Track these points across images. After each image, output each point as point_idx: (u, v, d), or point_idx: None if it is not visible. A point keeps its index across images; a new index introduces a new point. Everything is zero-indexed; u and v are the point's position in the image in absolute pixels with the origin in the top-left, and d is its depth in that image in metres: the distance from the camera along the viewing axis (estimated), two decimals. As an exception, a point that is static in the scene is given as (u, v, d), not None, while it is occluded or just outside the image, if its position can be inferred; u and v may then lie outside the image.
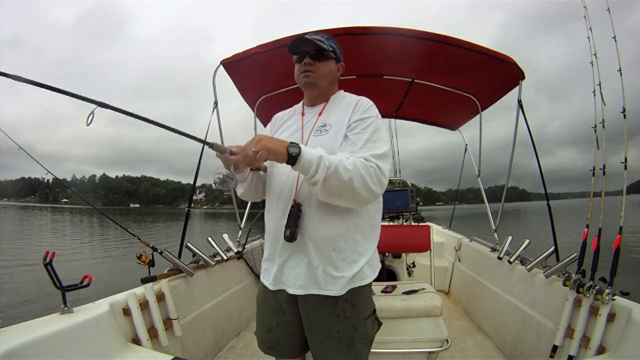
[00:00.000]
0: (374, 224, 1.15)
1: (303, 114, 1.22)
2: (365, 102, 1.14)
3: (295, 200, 1.07)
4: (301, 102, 1.27)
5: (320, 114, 1.17)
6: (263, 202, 1.27)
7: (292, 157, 0.92)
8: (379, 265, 1.16)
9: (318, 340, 1.10)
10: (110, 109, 0.96)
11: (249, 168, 1.10)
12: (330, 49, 1.15)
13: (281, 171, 1.14)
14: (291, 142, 0.94)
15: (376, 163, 0.98)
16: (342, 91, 1.25)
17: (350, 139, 1.06)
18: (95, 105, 0.94)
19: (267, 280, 1.16)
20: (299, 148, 0.92)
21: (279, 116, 1.32)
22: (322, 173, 0.92)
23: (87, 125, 0.94)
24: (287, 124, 1.25)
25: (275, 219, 1.12)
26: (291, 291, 1.09)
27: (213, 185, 1.04)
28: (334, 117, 1.14)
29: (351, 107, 1.12)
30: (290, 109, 1.31)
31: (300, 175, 1.07)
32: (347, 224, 1.06)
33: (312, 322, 1.10)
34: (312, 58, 1.13)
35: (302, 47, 1.14)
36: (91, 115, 0.93)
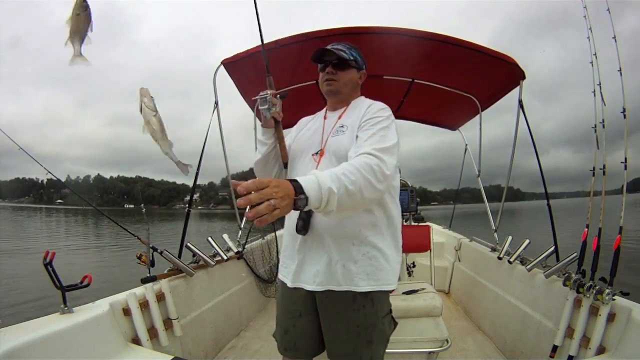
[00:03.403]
0: (393, 224, 1.15)
1: (325, 117, 1.29)
2: (378, 105, 1.19)
3: None
4: (325, 108, 1.34)
5: (340, 117, 1.24)
6: None
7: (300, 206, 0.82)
8: (397, 275, 1.15)
9: (337, 334, 1.10)
10: None
11: (274, 132, 1.22)
12: (352, 58, 1.22)
13: (301, 168, 1.21)
14: (297, 194, 0.80)
15: (378, 156, 0.97)
16: (362, 97, 1.31)
17: (358, 136, 1.09)
18: None
19: (286, 277, 1.18)
20: (305, 199, 0.80)
21: (304, 120, 1.39)
22: (333, 203, 0.84)
23: None
24: (308, 126, 1.32)
25: (294, 213, 1.06)
26: (310, 288, 1.10)
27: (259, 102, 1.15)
28: (350, 119, 1.19)
29: (364, 109, 1.17)
30: (316, 113, 1.38)
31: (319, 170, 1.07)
32: (364, 218, 1.08)
33: (331, 316, 1.11)
34: (335, 67, 1.20)
35: (325, 56, 1.21)
36: None
